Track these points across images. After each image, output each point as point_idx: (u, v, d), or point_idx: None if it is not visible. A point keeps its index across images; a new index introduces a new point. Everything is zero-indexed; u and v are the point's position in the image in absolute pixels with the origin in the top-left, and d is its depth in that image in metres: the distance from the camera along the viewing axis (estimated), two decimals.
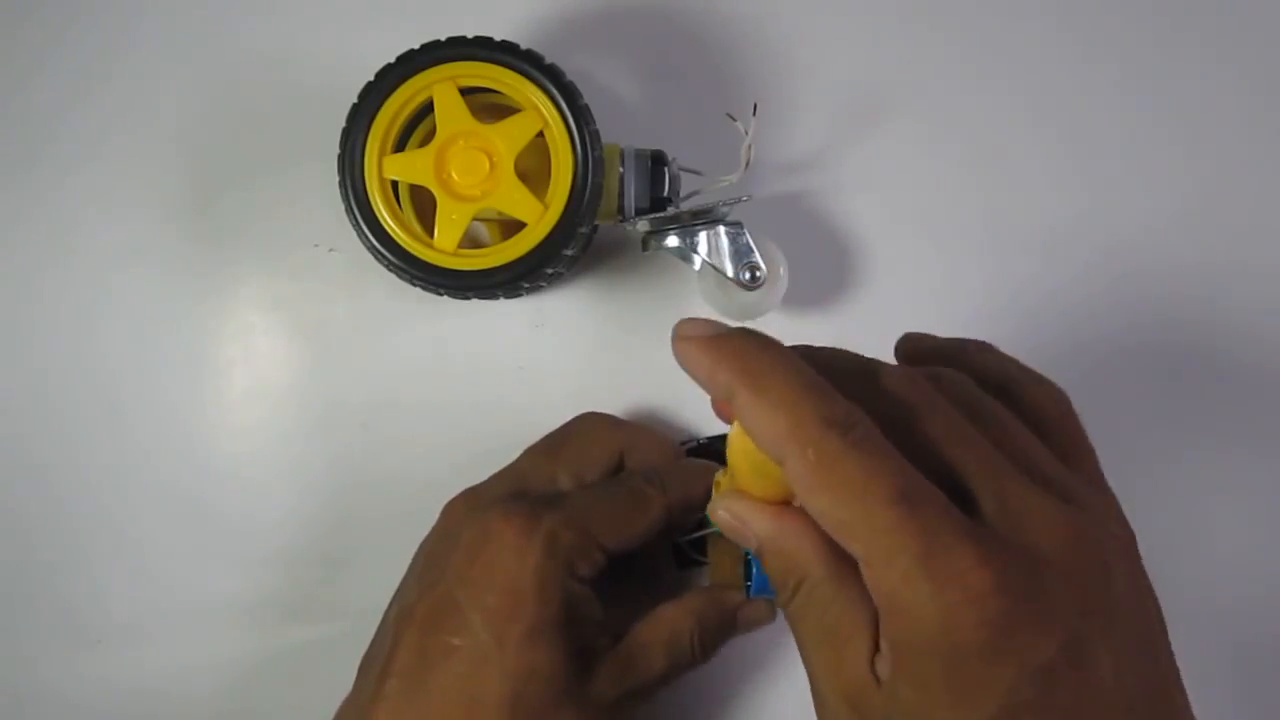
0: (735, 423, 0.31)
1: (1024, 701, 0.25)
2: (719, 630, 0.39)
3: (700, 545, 0.42)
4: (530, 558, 0.35)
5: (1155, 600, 0.29)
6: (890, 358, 0.44)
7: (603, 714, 0.36)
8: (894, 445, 0.26)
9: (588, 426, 0.42)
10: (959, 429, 0.28)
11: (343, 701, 0.37)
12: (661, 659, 0.37)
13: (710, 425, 0.44)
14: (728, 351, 0.28)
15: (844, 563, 0.28)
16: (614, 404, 0.44)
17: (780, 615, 0.39)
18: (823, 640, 0.28)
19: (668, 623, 0.38)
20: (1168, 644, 0.29)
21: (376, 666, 0.36)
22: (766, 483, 0.30)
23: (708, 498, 0.39)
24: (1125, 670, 0.26)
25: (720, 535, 0.40)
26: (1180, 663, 0.29)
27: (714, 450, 0.44)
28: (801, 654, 0.29)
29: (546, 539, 0.36)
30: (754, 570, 0.38)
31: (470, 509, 0.39)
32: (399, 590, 0.39)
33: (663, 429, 0.45)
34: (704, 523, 0.41)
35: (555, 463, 0.40)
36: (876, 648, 0.27)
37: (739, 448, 0.30)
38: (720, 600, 0.39)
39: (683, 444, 0.44)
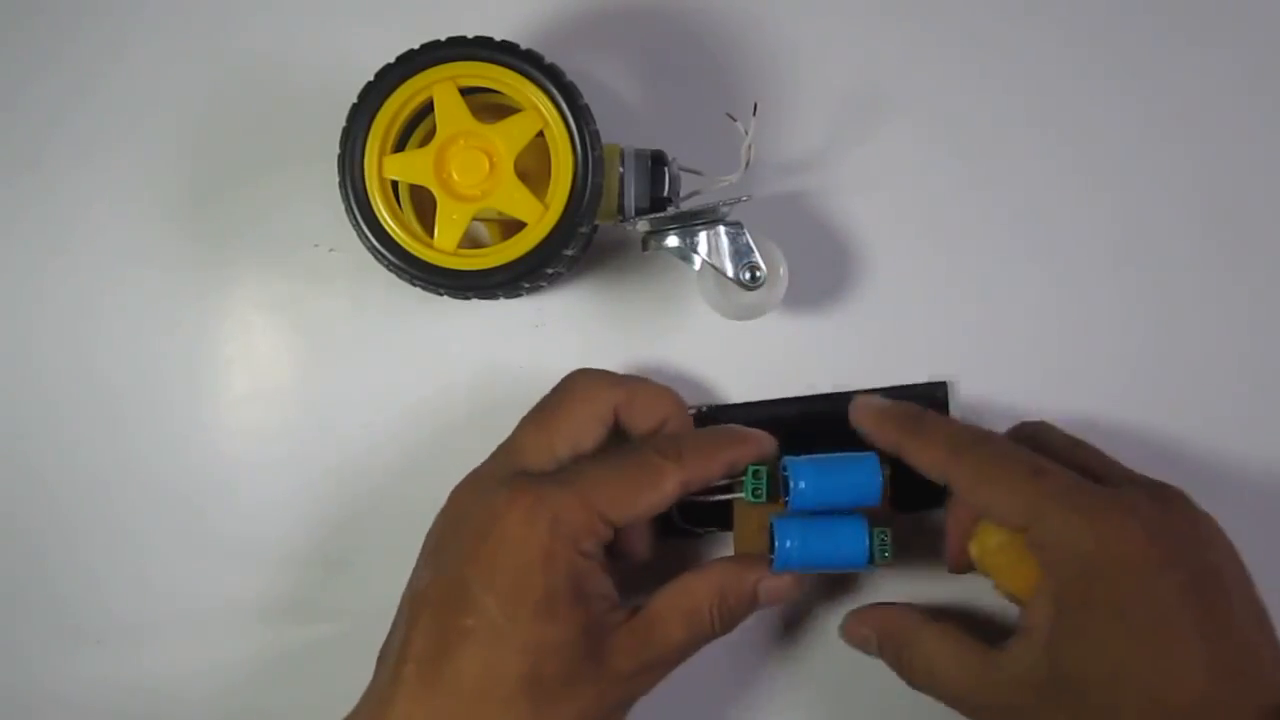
0: (976, 535, 0.38)
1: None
2: (739, 603, 0.38)
3: (693, 515, 0.42)
4: (535, 537, 0.36)
5: None
6: (887, 354, 0.44)
7: (621, 686, 0.36)
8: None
9: (579, 386, 0.41)
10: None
11: (364, 692, 0.37)
12: (680, 630, 0.37)
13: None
14: (891, 414, 0.40)
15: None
16: None
17: (805, 594, 0.39)
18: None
19: (687, 594, 0.37)
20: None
21: (393, 654, 0.36)
22: (1022, 569, 0.37)
23: (728, 474, 0.39)
24: None
25: (746, 501, 0.39)
26: None
27: (720, 419, 0.43)
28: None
29: (551, 518, 0.36)
30: (778, 543, 0.37)
31: (477, 492, 0.38)
32: (411, 577, 0.39)
33: None
34: (726, 488, 0.39)
35: (550, 432, 0.39)
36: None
37: (987, 546, 0.38)
38: (742, 572, 0.38)
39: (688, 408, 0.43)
